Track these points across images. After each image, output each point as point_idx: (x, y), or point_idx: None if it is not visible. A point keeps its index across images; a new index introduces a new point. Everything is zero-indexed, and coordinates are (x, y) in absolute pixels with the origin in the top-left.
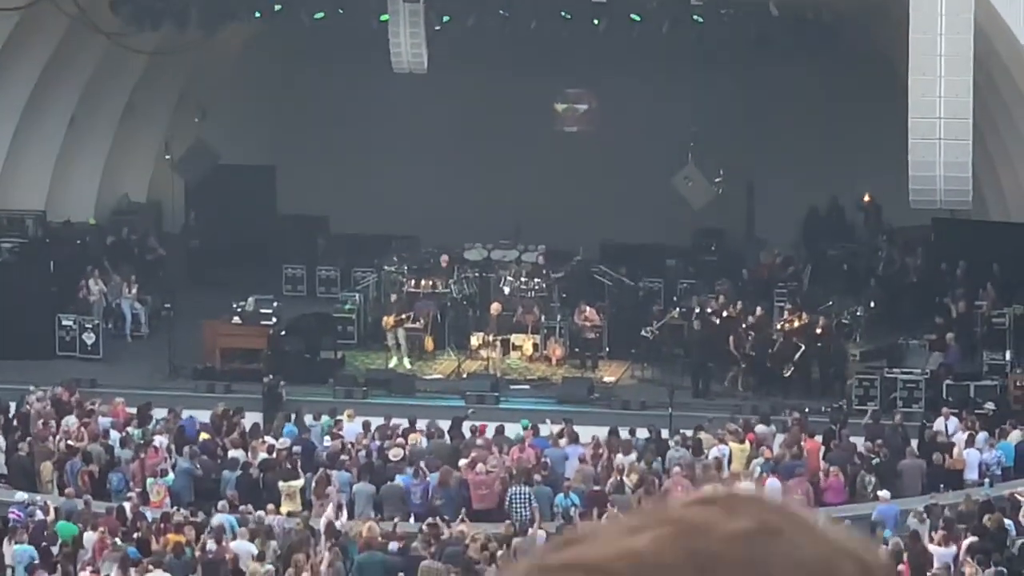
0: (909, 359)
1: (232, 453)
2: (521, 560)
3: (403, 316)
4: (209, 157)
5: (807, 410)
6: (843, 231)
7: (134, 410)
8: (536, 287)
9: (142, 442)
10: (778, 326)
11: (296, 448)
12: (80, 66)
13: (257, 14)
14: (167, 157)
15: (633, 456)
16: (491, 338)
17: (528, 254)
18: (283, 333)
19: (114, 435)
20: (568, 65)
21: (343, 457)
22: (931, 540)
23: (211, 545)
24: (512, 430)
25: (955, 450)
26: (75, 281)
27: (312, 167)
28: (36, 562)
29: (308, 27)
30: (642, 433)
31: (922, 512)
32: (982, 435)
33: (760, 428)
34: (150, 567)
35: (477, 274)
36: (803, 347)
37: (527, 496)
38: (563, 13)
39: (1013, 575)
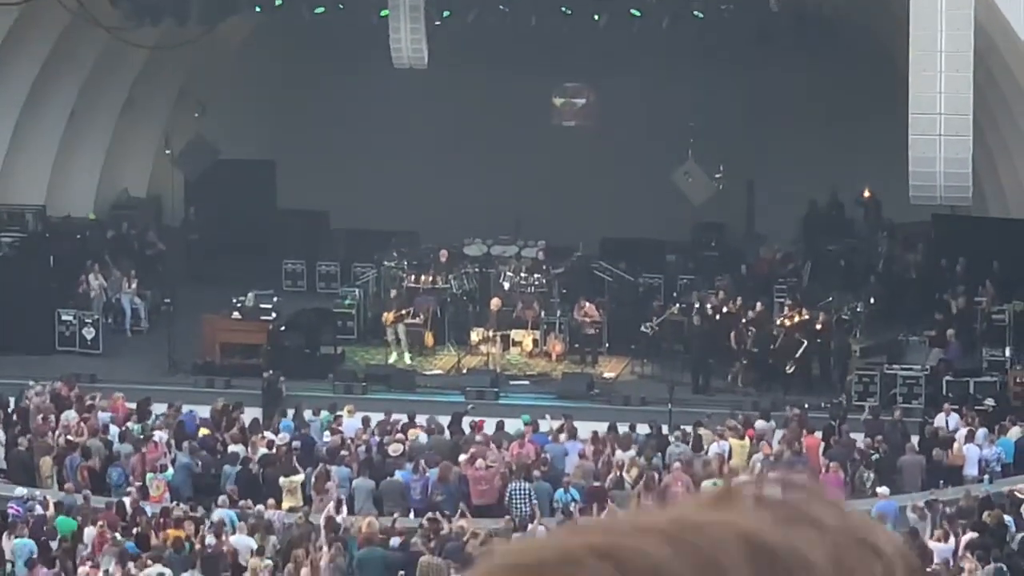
0: (909, 355)
1: (232, 448)
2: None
3: (403, 311)
4: (209, 152)
5: (807, 406)
6: (843, 227)
7: (134, 405)
8: (536, 283)
9: (142, 437)
10: (778, 322)
11: (296, 443)
12: (80, 61)
13: (257, 9)
14: (167, 152)
15: (633, 452)
16: (491, 334)
17: (528, 249)
18: (283, 328)
19: (114, 430)
20: (568, 61)
21: (343, 453)
22: (931, 536)
23: (210, 540)
24: (512, 426)
25: (955, 446)
26: (75, 276)
27: (312, 162)
28: (36, 556)
29: (308, 22)
30: (643, 429)
31: (922, 508)
32: (982, 431)
33: (760, 424)
34: (149, 562)
35: (477, 270)
36: (806, 343)
37: (527, 492)
38: (563, 9)
39: (1013, 571)
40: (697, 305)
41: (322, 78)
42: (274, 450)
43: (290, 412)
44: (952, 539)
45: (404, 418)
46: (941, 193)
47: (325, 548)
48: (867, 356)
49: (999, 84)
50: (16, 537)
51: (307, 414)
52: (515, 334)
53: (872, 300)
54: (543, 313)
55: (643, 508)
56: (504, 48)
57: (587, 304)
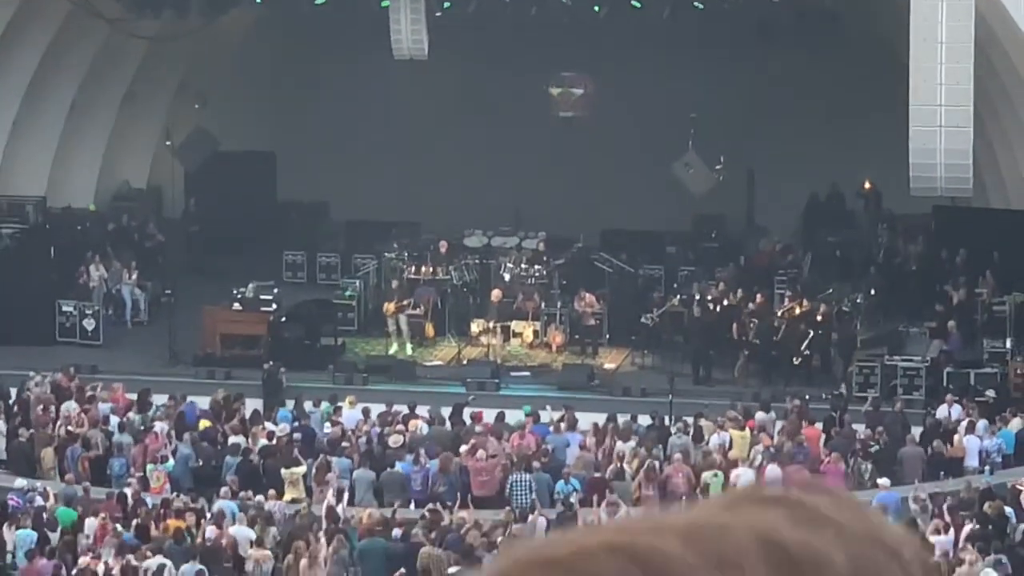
0: (909, 346)
1: (232, 439)
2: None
3: (403, 303)
4: (209, 143)
5: (807, 397)
6: (843, 218)
7: (134, 396)
8: (536, 274)
9: (142, 428)
10: (779, 313)
11: (296, 435)
12: (81, 52)
13: (258, 0)
14: (167, 143)
15: (633, 443)
16: (491, 325)
17: (528, 241)
18: (283, 319)
19: (114, 421)
20: (569, 51)
21: (343, 444)
22: (932, 528)
23: (211, 531)
24: (513, 417)
25: (955, 438)
26: (75, 267)
27: (312, 153)
28: (36, 547)
29: (309, 13)
30: (643, 420)
31: (924, 499)
32: (982, 423)
33: (760, 415)
34: (149, 553)
35: (477, 261)
36: (812, 334)
37: (527, 483)
38: None
39: (1013, 563)
40: (697, 296)
41: (322, 69)
42: (274, 441)
43: (289, 403)
44: (952, 531)
45: (405, 409)
46: (942, 184)
47: (325, 539)
48: (868, 347)
49: (1000, 75)
50: (17, 528)
51: (307, 405)
52: (515, 325)
53: (872, 291)
54: (543, 304)
55: (662, 508)
56: (505, 39)
57: (587, 295)
